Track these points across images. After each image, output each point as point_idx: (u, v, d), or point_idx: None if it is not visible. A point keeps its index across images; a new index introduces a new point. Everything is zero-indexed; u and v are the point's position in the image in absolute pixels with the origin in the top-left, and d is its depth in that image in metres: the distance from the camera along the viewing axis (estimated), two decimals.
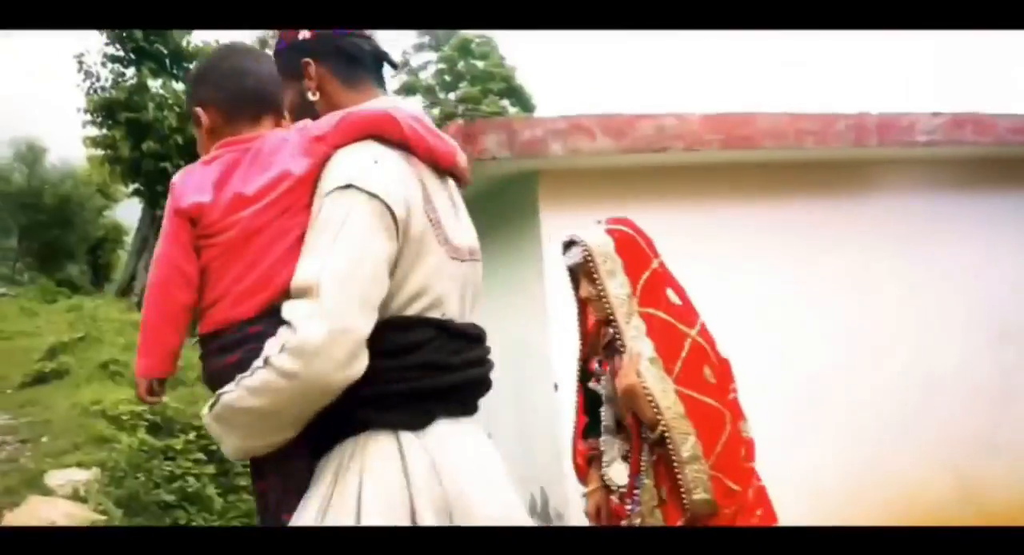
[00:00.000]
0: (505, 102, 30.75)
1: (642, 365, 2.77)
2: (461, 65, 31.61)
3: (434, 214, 1.79)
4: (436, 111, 30.02)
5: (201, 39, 17.47)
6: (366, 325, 1.63)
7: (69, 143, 28.52)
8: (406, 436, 1.71)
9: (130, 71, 17.11)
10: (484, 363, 1.91)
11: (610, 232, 2.89)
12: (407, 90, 31.89)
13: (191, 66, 17.27)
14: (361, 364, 1.62)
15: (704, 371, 2.82)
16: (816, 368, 4.55)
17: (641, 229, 2.93)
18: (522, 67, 36.38)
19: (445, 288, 1.81)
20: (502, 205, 4.45)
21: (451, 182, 1.95)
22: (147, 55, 16.84)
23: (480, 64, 31.40)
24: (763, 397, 4.40)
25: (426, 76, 32.48)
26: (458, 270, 1.86)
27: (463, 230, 1.93)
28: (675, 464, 2.65)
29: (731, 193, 4.57)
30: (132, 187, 20.07)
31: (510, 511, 1.82)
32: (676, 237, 4.40)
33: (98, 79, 16.95)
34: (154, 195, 16.88)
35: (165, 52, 17.07)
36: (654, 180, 4.40)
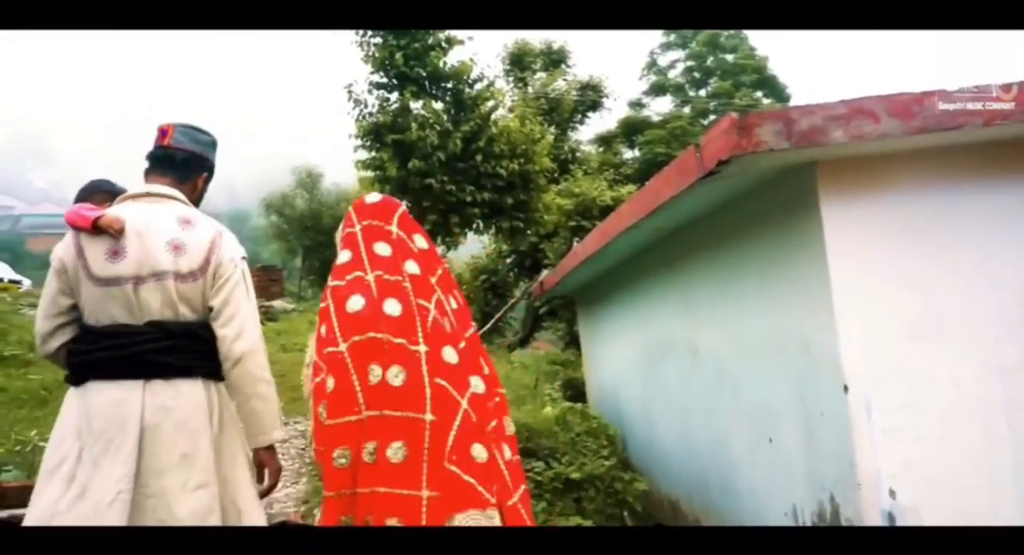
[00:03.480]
0: (758, 94, 29.89)
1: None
2: (710, 61, 31.02)
3: (84, 262, 3.07)
4: (687, 109, 29.62)
5: (457, 59, 18.10)
6: (43, 324, 3.14)
7: (342, 167, 30.50)
8: (72, 389, 3.08)
9: (393, 96, 18.04)
10: (120, 348, 3.00)
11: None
12: (656, 90, 31.72)
13: (449, 85, 18.05)
14: (48, 345, 3.15)
15: (320, 329, 3.18)
16: None
17: (375, 202, 3.64)
18: (774, 57, 35.14)
19: (96, 306, 3.07)
20: (780, 198, 4.25)
21: (128, 232, 3.08)
22: (408, 79, 17.68)
23: (730, 58, 30.68)
24: None
25: (675, 74, 32.15)
26: (114, 292, 3.04)
27: (127, 264, 3.06)
28: None
29: None
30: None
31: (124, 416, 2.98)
32: (973, 218, 4.04)
33: (366, 106, 18.01)
34: (422, 211, 17.70)
35: (424, 75, 17.84)
36: (945, 161, 4.05)
